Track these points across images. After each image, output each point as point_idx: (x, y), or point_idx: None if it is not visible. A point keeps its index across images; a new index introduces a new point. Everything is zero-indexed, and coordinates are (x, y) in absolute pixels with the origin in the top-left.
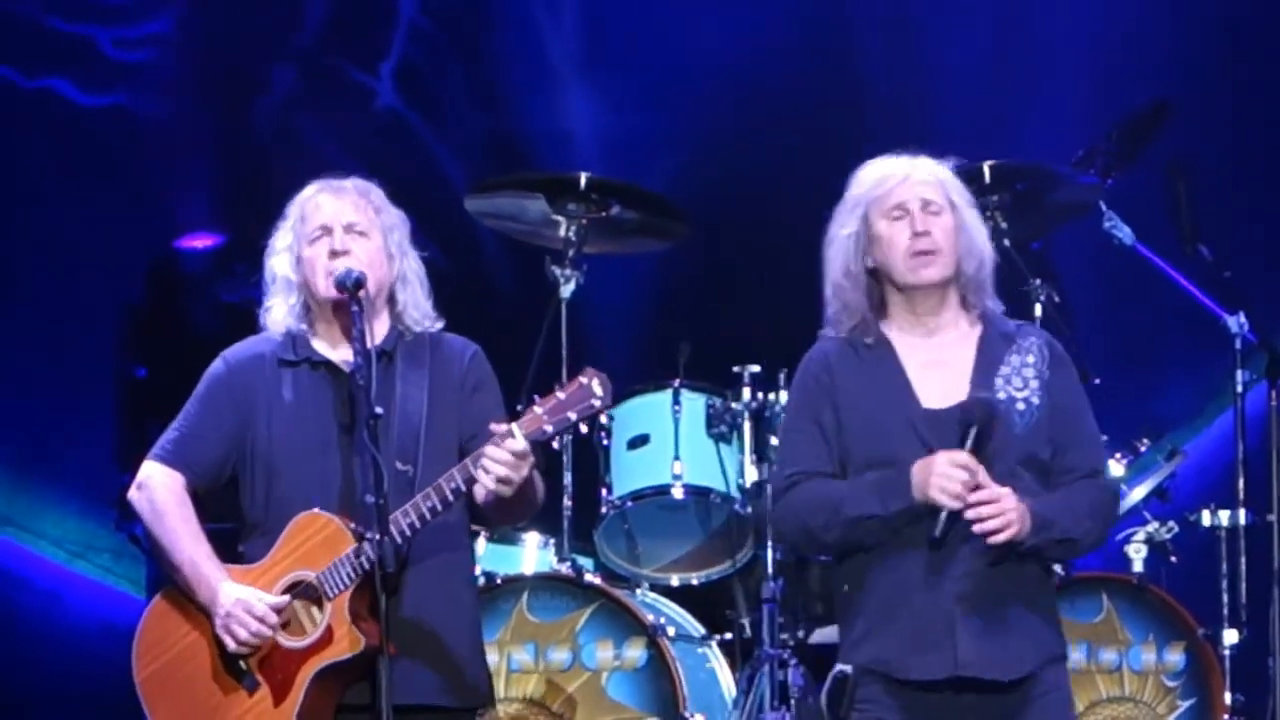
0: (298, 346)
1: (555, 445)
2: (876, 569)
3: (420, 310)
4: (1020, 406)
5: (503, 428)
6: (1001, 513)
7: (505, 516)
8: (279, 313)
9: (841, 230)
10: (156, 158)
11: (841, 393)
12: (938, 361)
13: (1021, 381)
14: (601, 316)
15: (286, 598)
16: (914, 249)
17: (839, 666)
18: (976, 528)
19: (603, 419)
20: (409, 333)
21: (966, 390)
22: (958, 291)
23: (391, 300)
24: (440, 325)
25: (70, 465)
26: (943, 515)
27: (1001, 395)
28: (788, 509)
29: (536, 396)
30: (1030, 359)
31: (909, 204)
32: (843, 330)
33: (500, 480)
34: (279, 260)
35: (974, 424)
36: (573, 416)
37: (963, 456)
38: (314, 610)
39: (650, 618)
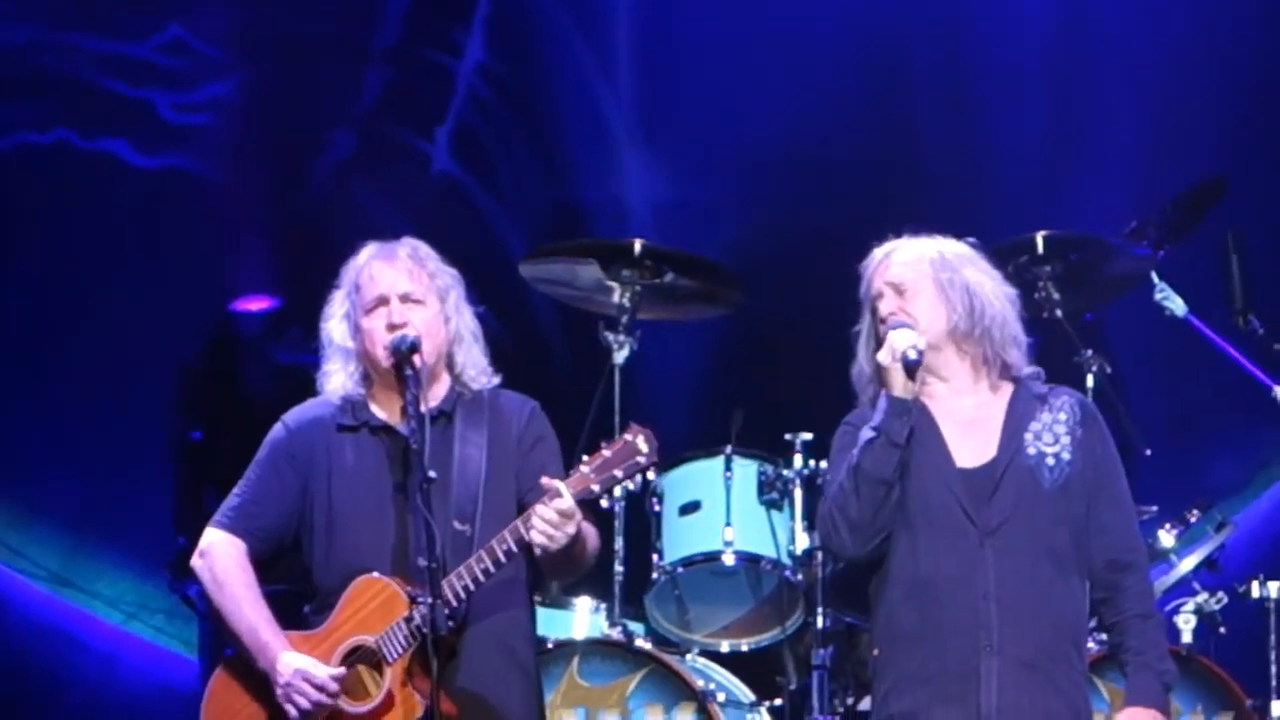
0: (356, 411)
1: (604, 504)
2: (910, 627)
3: (477, 368)
4: (1050, 462)
5: (551, 485)
6: None
7: (557, 572)
8: (337, 380)
9: (858, 328)
10: (213, 220)
11: None
12: (971, 421)
13: (1052, 438)
14: (655, 382)
15: (342, 669)
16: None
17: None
18: None
19: (652, 477)
20: (468, 391)
21: (996, 448)
22: (972, 350)
23: (450, 361)
24: (497, 380)
25: (126, 527)
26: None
27: (1031, 451)
28: (824, 504)
29: (584, 455)
30: (1061, 416)
31: (881, 289)
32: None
33: (547, 537)
34: (336, 327)
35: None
36: (619, 474)
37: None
38: (375, 675)
39: (700, 683)
